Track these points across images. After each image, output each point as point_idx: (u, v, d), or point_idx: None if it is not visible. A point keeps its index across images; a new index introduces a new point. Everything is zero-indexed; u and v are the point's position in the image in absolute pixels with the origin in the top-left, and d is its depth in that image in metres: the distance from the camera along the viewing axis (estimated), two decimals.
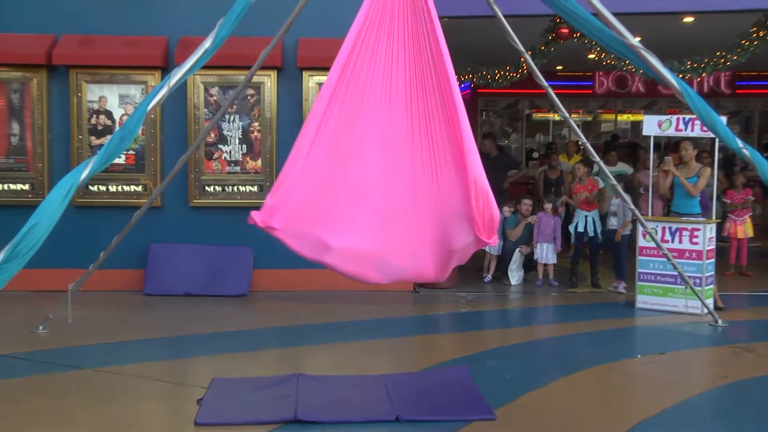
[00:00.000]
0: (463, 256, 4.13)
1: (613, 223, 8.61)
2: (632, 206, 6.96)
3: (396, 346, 6.44)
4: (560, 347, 6.42)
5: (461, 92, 3.84)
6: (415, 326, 7.31)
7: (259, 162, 8.28)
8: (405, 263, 3.93)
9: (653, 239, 7.06)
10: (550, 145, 13.80)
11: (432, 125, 3.70)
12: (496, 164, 9.82)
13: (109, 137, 5.99)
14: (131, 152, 8.21)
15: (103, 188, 8.19)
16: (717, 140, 6.45)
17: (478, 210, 3.63)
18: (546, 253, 8.85)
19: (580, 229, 8.78)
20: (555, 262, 8.97)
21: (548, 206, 8.94)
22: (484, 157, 10.95)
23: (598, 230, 8.77)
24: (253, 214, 3.94)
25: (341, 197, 3.75)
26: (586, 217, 8.78)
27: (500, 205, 9.19)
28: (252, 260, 8.28)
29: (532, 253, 8.97)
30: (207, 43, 5.14)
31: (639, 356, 6.02)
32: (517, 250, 8.91)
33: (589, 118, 18.22)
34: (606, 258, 9.16)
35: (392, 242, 3.82)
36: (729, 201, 9.82)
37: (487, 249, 9.11)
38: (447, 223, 3.77)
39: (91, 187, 8.19)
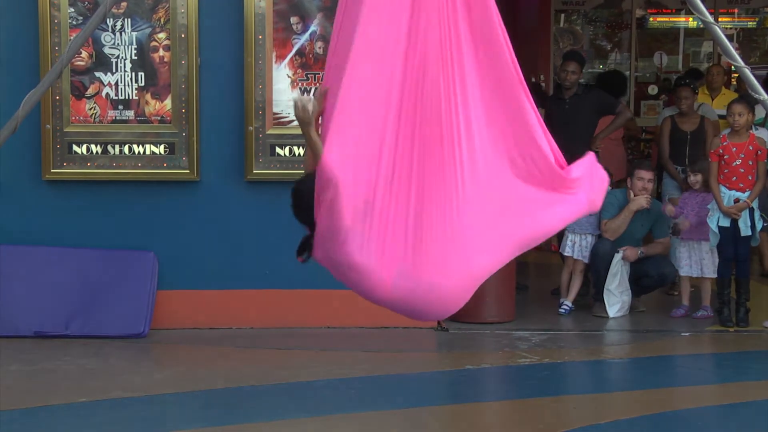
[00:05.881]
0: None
1: None
2: None
3: (409, 424, 6.45)
4: (704, 429, 6.46)
5: None
6: (441, 389, 7.32)
7: (168, 102, 8.29)
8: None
9: None
10: (690, 75, 13.76)
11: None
12: (575, 107, 9.69)
13: None
14: None
15: None
16: None
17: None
18: (699, 260, 8.88)
19: (725, 222, 8.68)
20: (714, 275, 8.90)
21: (695, 179, 8.98)
22: (558, 96, 10.95)
23: (758, 225, 8.71)
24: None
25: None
26: (736, 201, 8.73)
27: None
28: (155, 275, 8.33)
29: (647, 264, 9.02)
30: None
31: None
32: (618, 255, 8.91)
33: (752, 24, 18.17)
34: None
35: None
36: None
37: (567, 252, 9.17)
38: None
39: None
